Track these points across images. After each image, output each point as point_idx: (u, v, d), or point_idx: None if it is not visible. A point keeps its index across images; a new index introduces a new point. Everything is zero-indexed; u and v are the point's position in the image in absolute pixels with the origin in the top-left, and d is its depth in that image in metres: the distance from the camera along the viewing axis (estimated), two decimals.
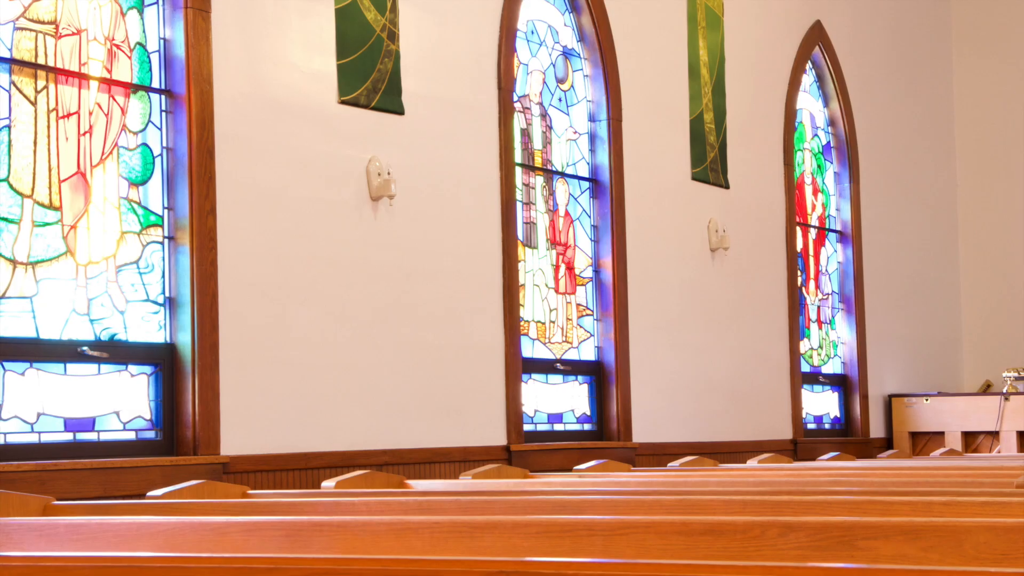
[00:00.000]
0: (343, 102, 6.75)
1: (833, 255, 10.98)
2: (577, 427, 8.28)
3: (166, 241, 6.04)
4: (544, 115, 8.22)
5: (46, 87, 5.66)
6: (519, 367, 7.63)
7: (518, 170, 7.88)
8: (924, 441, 11.12)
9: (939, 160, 12.42)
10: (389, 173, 6.85)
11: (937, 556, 2.79)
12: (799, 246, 10.39)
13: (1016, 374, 11.14)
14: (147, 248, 5.98)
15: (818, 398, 10.63)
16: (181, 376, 5.98)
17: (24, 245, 5.54)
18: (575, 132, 8.45)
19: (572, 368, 8.23)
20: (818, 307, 10.71)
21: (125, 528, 3.57)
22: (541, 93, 8.20)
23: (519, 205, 7.87)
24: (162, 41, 6.11)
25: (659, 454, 8.43)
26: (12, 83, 5.54)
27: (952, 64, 12.65)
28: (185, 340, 5.98)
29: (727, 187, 9.48)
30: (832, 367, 10.85)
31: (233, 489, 4.83)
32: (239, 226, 6.21)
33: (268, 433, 6.28)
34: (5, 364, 5.42)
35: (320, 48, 6.69)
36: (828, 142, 11.01)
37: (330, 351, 6.60)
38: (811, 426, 10.45)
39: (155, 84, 6.07)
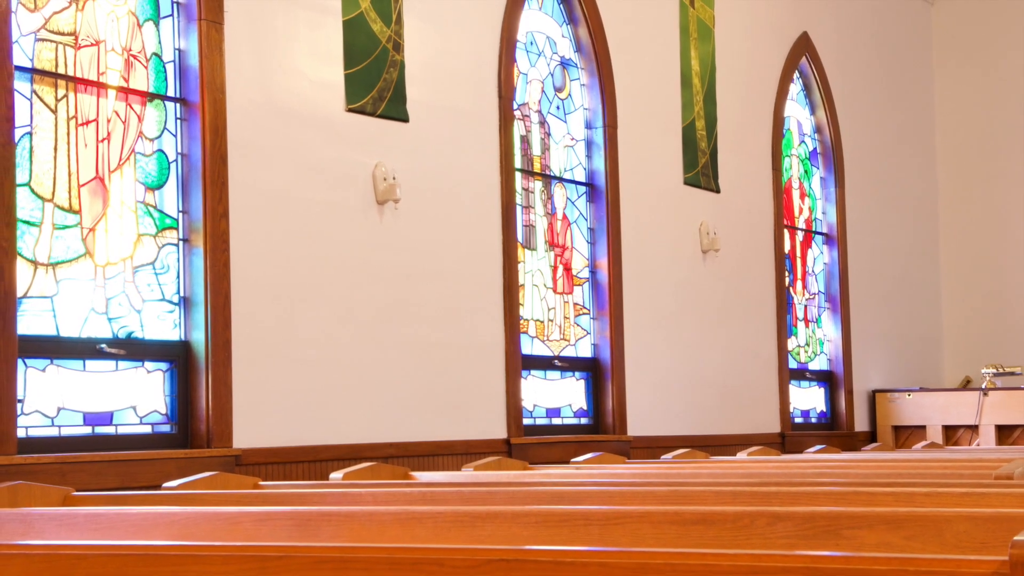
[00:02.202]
0: (350, 110, 6.75)
1: (819, 256, 10.98)
2: (574, 421, 8.28)
3: (181, 243, 6.04)
4: (543, 122, 8.22)
5: (66, 96, 5.66)
6: (519, 364, 7.63)
7: (518, 175, 7.88)
8: (906, 435, 11.13)
9: (921, 165, 12.42)
10: (394, 178, 6.86)
11: (919, 545, 2.79)
12: (787, 248, 10.39)
13: (994, 370, 11.14)
14: (163, 250, 5.98)
15: (805, 393, 10.63)
16: (195, 372, 5.98)
17: (45, 247, 5.54)
18: (572, 139, 8.45)
19: (569, 364, 8.23)
20: (805, 306, 10.71)
21: (142, 518, 3.57)
22: (540, 101, 8.20)
23: (519, 208, 7.87)
24: (177, 52, 6.11)
25: (653, 447, 8.43)
26: (34, 92, 5.54)
27: (933, 73, 12.65)
28: (199, 338, 5.99)
29: (718, 191, 9.49)
30: (818, 364, 10.86)
31: (245, 480, 4.83)
32: (251, 229, 6.21)
33: (279, 427, 6.28)
34: (27, 361, 5.42)
35: (328, 58, 6.69)
36: (814, 148, 11.01)
37: (338, 349, 6.60)
38: (798, 420, 10.45)
39: (170, 93, 6.07)
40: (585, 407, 8.37)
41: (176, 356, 5.97)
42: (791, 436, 10.02)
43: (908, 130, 12.24)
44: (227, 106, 6.14)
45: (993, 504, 3.23)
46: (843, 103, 11.11)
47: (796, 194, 10.70)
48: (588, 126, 8.53)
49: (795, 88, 10.69)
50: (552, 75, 8.33)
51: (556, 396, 8.17)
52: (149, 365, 5.88)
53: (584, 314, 8.41)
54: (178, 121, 6.09)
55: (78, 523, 3.65)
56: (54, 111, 5.61)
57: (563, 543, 3.02)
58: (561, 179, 8.30)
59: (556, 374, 8.16)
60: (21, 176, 5.43)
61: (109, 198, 5.79)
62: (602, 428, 8.36)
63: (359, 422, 6.68)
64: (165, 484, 4.86)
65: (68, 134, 5.65)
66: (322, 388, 6.51)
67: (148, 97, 5.99)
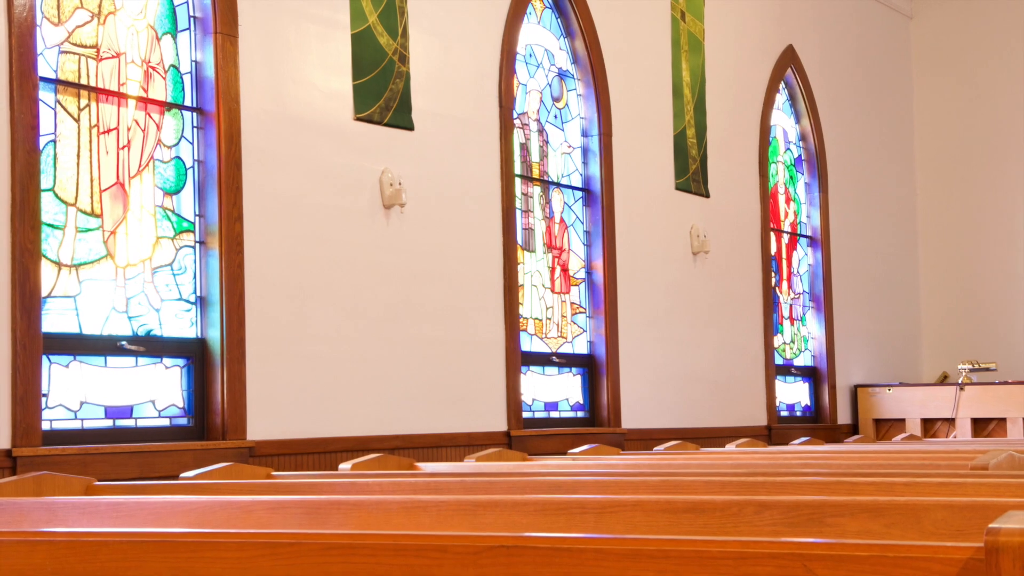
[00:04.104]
0: (358, 119, 6.75)
1: (804, 258, 10.98)
2: (571, 414, 8.28)
3: (197, 245, 6.04)
4: (541, 131, 8.22)
5: (88, 105, 5.66)
6: (518, 360, 7.63)
7: (517, 180, 7.88)
8: (887, 427, 11.12)
9: (900, 171, 12.42)
10: (400, 183, 6.85)
11: (898, 532, 2.78)
12: (773, 250, 10.39)
13: (970, 366, 11.14)
14: (180, 252, 5.98)
15: (790, 388, 10.63)
16: (211, 368, 5.98)
17: (68, 249, 5.54)
18: (569, 146, 8.45)
19: (567, 361, 8.23)
20: (790, 305, 10.71)
21: (160, 506, 3.57)
22: (538, 110, 8.20)
23: (518, 212, 7.87)
24: (194, 63, 6.11)
25: (646, 439, 8.43)
26: (58, 101, 5.54)
27: (912, 84, 12.65)
28: (215, 335, 5.98)
29: (708, 196, 9.48)
30: (803, 360, 10.85)
31: (258, 471, 4.82)
32: (264, 232, 6.21)
33: (290, 420, 6.28)
34: (51, 357, 5.42)
35: (337, 70, 6.69)
36: (799, 155, 11.00)
37: (346, 345, 6.60)
38: (784, 413, 10.45)
39: (187, 102, 6.07)
40: (581, 401, 8.37)
41: (193, 353, 5.97)
42: (777, 429, 10.01)
43: (888, 138, 12.24)
44: (241, 115, 6.14)
45: (969, 493, 3.23)
46: (827, 112, 11.10)
47: (782, 199, 10.70)
48: (584, 134, 8.53)
49: (781, 98, 10.69)
50: (550, 86, 8.33)
51: (554, 391, 8.17)
52: (167, 361, 5.88)
53: (580, 313, 8.41)
54: (195, 129, 6.08)
55: (100, 511, 3.64)
56: (77, 120, 5.61)
57: (560, 530, 3.02)
58: (559, 184, 8.30)
59: (554, 370, 8.16)
60: (46, 182, 5.44)
61: (129, 202, 5.79)
62: (598, 421, 8.36)
63: (367, 415, 6.67)
64: (182, 474, 4.86)
65: (90, 142, 5.65)
66: (332, 383, 6.51)
67: (166, 107, 5.99)
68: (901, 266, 12.31)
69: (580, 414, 8.34)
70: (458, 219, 7.31)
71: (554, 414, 8.15)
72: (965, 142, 12.41)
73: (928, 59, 12.61)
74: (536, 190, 8.13)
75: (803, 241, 10.97)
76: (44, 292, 5.37)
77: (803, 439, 8.21)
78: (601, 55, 8.54)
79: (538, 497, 3.19)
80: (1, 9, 5.25)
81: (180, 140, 6.04)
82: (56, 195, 5.51)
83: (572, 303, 8.35)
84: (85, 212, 5.62)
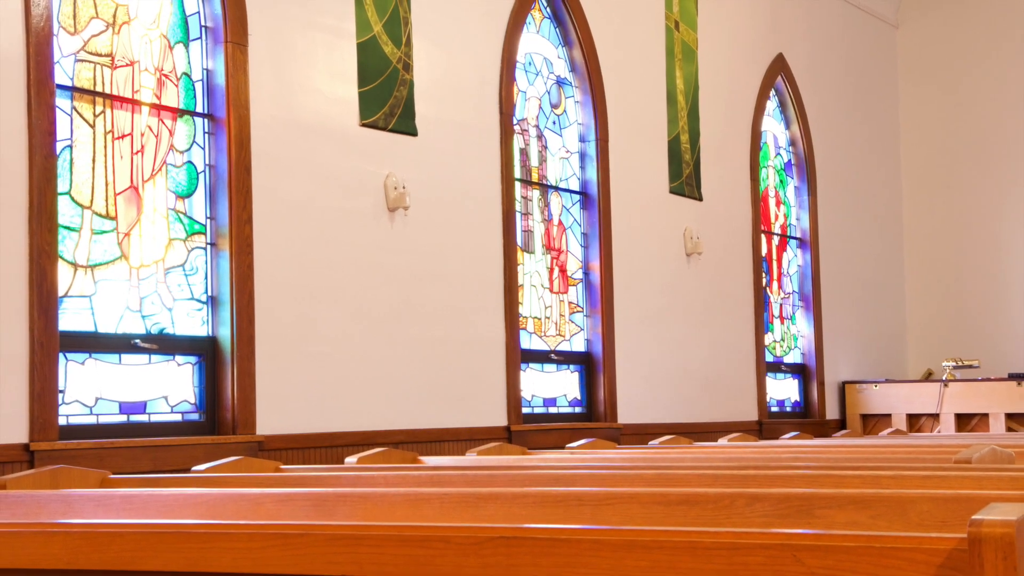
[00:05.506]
0: (363, 125, 6.75)
1: (794, 259, 10.98)
2: (569, 410, 8.28)
3: (208, 247, 6.04)
4: (540, 136, 8.22)
5: (103, 112, 5.66)
6: (518, 357, 7.63)
7: (517, 184, 7.88)
8: (873, 422, 11.12)
9: (887, 175, 12.42)
10: (404, 187, 6.85)
11: (885, 523, 2.78)
12: (764, 251, 10.39)
13: (954, 363, 11.14)
14: (192, 253, 5.98)
15: (780, 384, 10.62)
16: (221, 365, 5.98)
17: (84, 250, 5.54)
18: (567, 151, 8.45)
19: (565, 358, 8.23)
20: (780, 304, 10.71)
21: (172, 499, 3.57)
22: (537, 117, 8.20)
23: (518, 215, 7.87)
24: (205, 71, 6.11)
25: (641, 434, 8.43)
26: (74, 108, 5.54)
27: (898, 91, 12.65)
28: (225, 334, 5.98)
29: (701, 199, 9.48)
30: (793, 357, 10.85)
31: (267, 464, 4.82)
32: (273, 234, 6.21)
33: (298, 415, 6.28)
34: (67, 355, 5.42)
35: (344, 77, 6.69)
36: (789, 160, 11.00)
37: (352, 343, 6.60)
38: (774, 409, 10.45)
39: (199, 109, 6.07)
40: (579, 397, 8.37)
41: (204, 350, 5.97)
42: (768, 424, 10.01)
43: (875, 143, 12.24)
44: (251, 121, 6.14)
45: (953, 486, 3.23)
46: (815, 118, 11.10)
47: (772, 202, 10.70)
48: (582, 139, 8.53)
49: (771, 105, 10.69)
50: (549, 93, 8.33)
51: (552, 387, 8.17)
52: (179, 359, 5.88)
53: (578, 312, 8.41)
54: (206, 135, 6.08)
55: (114, 503, 3.64)
56: (92, 126, 5.61)
57: (559, 522, 3.01)
58: (557, 188, 8.30)
59: (552, 367, 8.16)
60: (62, 185, 5.44)
61: (143, 205, 5.79)
62: (595, 416, 8.36)
63: (372, 411, 6.67)
64: (194, 468, 4.85)
65: (105, 147, 5.65)
66: (338, 379, 6.51)
67: (178, 113, 5.99)
68: (887, 267, 12.31)
69: (578, 410, 8.34)
70: (460, 221, 7.31)
71: (552, 410, 8.15)
72: (949, 147, 12.42)
73: (913, 67, 12.61)
74: (535, 193, 8.13)
75: (793, 243, 10.97)
76: (61, 292, 5.37)
77: (793, 434, 8.20)
78: (598, 63, 8.54)
79: (537, 490, 3.19)
80: (19, 19, 5.26)
81: (192, 145, 6.04)
82: (72, 198, 5.51)
83: (570, 302, 8.35)
84: (100, 215, 5.62)
